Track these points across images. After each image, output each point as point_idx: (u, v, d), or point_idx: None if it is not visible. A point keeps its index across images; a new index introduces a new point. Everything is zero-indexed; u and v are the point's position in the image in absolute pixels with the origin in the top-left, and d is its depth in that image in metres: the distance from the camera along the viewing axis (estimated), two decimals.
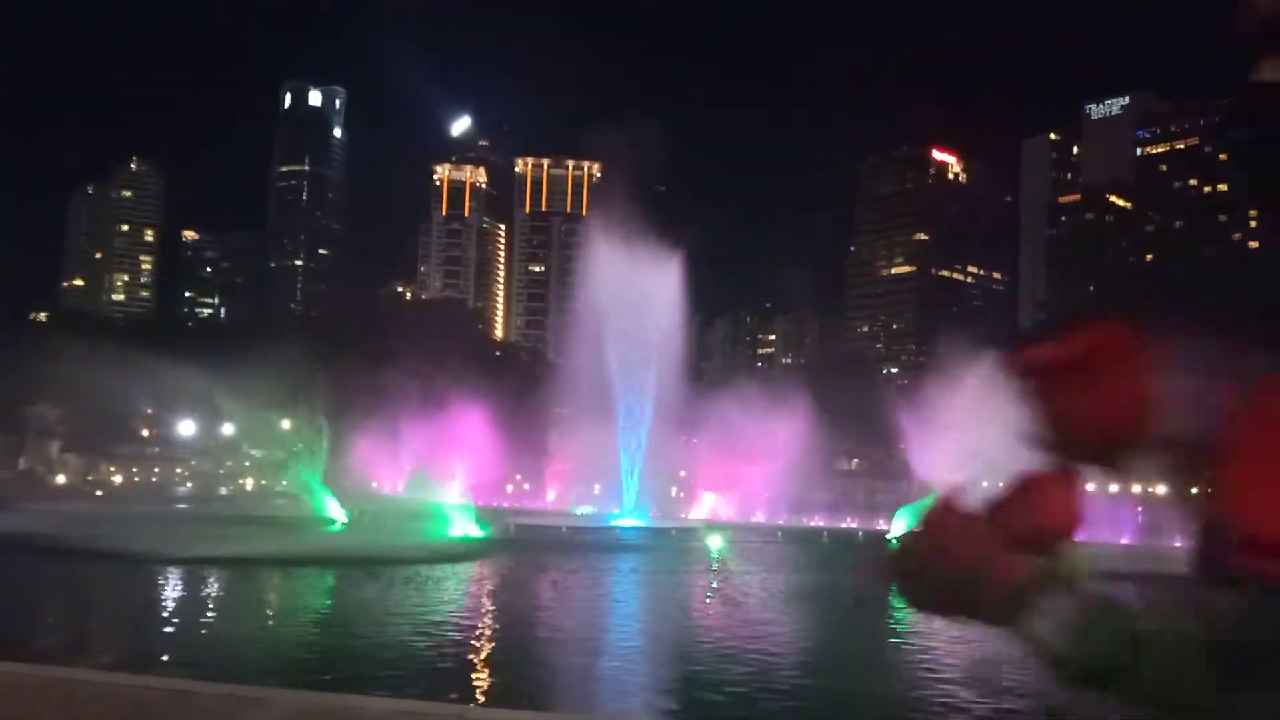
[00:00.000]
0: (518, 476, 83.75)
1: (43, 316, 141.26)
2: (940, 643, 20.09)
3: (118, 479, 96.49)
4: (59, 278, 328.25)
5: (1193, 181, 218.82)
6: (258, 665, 17.06)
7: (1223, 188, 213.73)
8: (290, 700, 10.20)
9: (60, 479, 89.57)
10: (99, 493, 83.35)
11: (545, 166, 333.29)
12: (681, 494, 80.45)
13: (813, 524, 62.07)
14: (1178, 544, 55.12)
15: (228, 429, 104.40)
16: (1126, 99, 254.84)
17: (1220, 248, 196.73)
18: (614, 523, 57.19)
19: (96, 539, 35.68)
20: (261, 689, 11.24)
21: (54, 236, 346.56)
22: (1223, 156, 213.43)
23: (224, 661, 17.15)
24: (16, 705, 9.85)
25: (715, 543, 44.05)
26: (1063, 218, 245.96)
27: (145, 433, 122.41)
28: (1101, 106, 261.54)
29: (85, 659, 16.78)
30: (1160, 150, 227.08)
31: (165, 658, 17.85)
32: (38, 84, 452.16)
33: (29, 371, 74.29)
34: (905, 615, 27.25)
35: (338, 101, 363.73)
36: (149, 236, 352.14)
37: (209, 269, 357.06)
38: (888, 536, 52.95)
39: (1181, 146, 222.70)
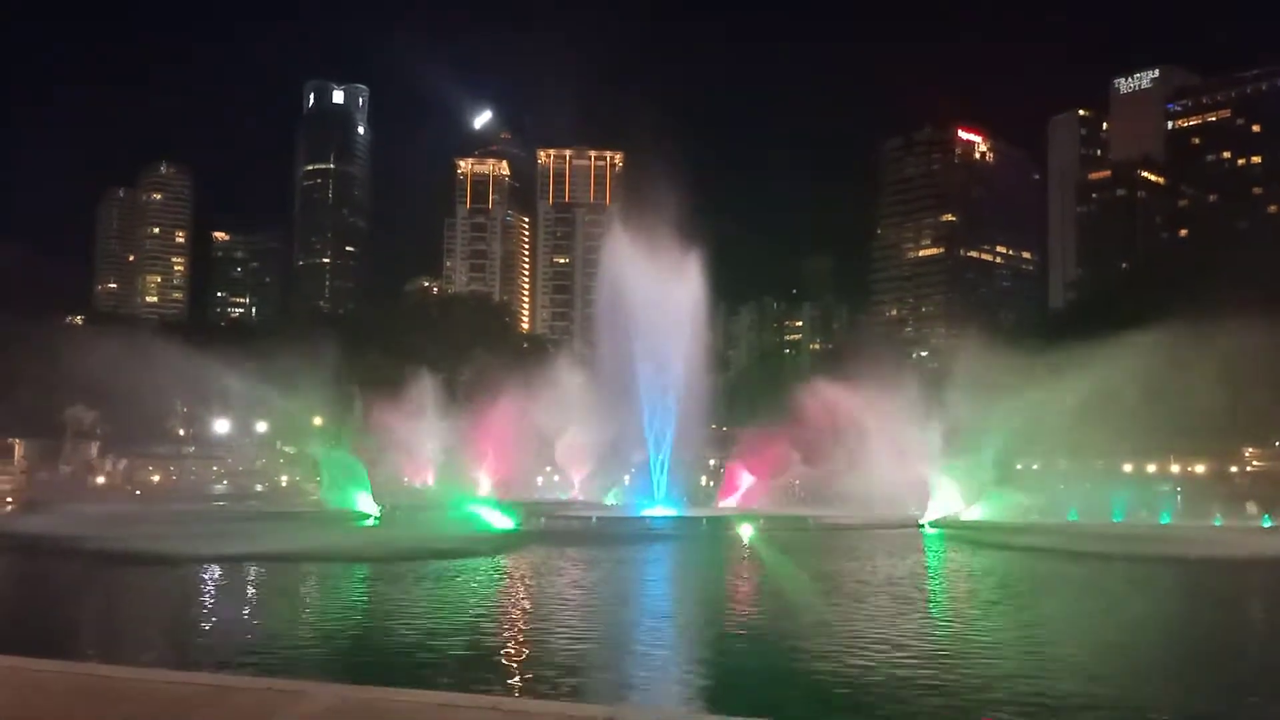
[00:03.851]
0: (547, 468, 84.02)
1: (79, 320, 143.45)
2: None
3: (156, 478, 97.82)
4: (93, 281, 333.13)
5: (1226, 154, 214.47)
6: (327, 662, 17.28)
7: (1256, 160, 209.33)
8: (327, 693, 10.31)
9: (100, 479, 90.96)
10: (138, 492, 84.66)
11: (568, 158, 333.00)
12: (711, 483, 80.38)
13: (843, 512, 61.67)
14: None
15: (261, 426, 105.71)
16: (1156, 72, 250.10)
17: (1255, 221, 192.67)
18: (644, 513, 57.25)
19: (136, 537, 36.32)
20: (298, 682, 11.37)
21: (86, 240, 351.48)
22: (1255, 128, 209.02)
23: (294, 659, 17.40)
24: (58, 701, 10.02)
25: (746, 531, 44.04)
26: (1093, 195, 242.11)
27: (181, 432, 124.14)
28: (1130, 81, 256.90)
29: (127, 656, 17.08)
30: (1192, 123, 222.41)
31: (213, 654, 18.11)
32: (65, 90, 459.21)
33: (66, 374, 75.69)
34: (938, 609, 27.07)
35: (361, 99, 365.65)
36: (180, 238, 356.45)
37: (239, 269, 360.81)
38: (920, 522, 52.56)
39: (1213, 119, 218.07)
